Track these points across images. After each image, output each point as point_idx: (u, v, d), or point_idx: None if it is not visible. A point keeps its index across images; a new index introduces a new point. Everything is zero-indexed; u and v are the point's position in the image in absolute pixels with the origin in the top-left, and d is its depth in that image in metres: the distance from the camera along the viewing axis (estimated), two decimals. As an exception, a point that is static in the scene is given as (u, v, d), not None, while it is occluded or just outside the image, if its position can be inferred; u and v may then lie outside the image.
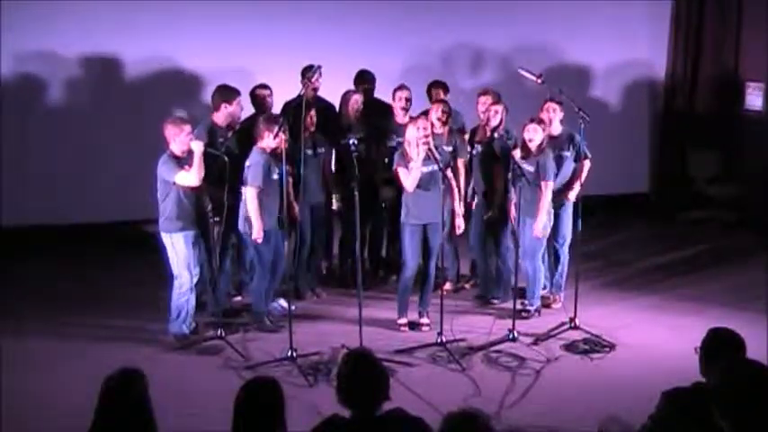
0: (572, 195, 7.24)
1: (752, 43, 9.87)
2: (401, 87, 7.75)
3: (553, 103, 7.25)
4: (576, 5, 9.76)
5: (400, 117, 7.65)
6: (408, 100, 7.69)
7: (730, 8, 10.08)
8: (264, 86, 7.55)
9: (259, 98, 7.49)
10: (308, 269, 7.67)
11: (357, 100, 7.71)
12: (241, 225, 6.74)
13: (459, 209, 7.19)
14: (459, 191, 7.29)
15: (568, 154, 7.29)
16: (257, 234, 6.62)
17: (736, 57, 10.08)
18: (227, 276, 7.32)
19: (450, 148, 7.32)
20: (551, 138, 7.12)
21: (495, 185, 7.33)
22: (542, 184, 6.91)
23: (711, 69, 10.30)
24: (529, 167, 6.88)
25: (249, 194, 6.59)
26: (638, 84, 10.56)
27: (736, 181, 10.14)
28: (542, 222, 6.97)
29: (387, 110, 7.85)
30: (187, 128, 6.48)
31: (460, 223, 7.15)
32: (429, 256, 6.92)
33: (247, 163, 6.67)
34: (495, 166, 7.30)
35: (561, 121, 7.29)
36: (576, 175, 7.30)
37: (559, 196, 7.25)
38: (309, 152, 7.26)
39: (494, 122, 7.26)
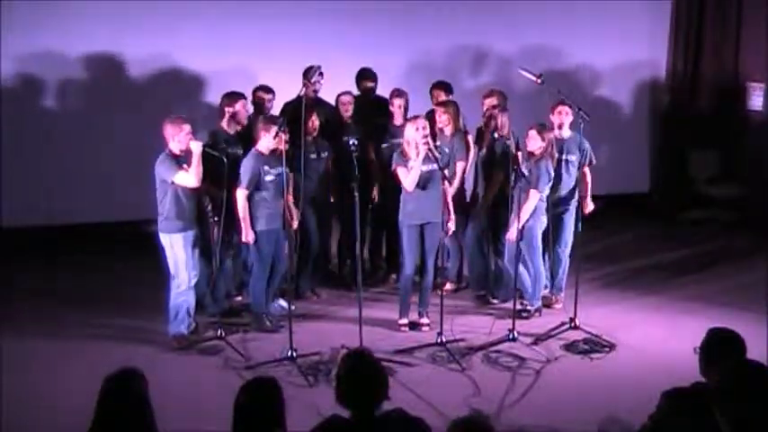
0: (587, 209, 7.27)
1: (752, 43, 9.87)
2: (398, 94, 7.72)
3: (564, 106, 7.18)
4: (577, 6, 9.77)
5: (398, 120, 7.65)
6: (405, 107, 7.68)
7: (730, 8, 10.08)
8: (267, 90, 7.54)
9: (259, 100, 7.48)
10: (309, 269, 7.67)
11: (344, 101, 7.70)
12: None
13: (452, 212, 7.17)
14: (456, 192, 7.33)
15: (574, 159, 7.25)
16: (245, 236, 6.66)
17: (736, 57, 10.07)
18: (228, 276, 7.31)
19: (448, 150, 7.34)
20: (559, 140, 7.09)
21: (492, 188, 7.33)
22: (530, 191, 6.87)
23: (711, 69, 10.30)
24: (525, 171, 6.88)
25: (238, 196, 6.65)
26: (639, 84, 10.56)
27: (736, 181, 10.14)
28: (516, 229, 6.85)
29: (386, 109, 7.84)
30: (186, 127, 6.47)
31: (452, 226, 7.09)
32: (427, 256, 6.92)
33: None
34: (495, 170, 7.30)
35: (570, 125, 7.28)
36: (583, 184, 7.30)
37: (564, 201, 7.24)
38: (313, 156, 7.28)
39: (490, 126, 7.24)
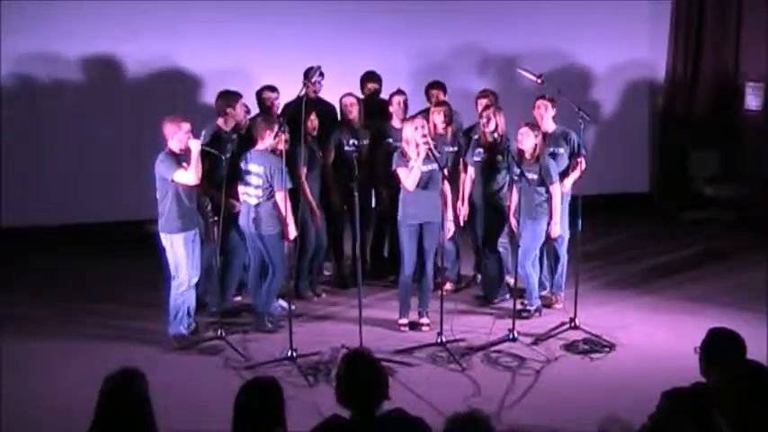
0: (566, 186, 7.21)
1: (752, 43, 9.87)
2: (398, 92, 7.73)
3: (543, 100, 7.23)
4: (577, 6, 9.76)
5: (396, 121, 7.65)
6: (405, 104, 7.68)
7: (730, 8, 10.08)
8: (272, 89, 7.53)
9: (266, 101, 7.47)
10: (309, 270, 7.67)
11: (347, 103, 7.68)
12: (267, 227, 6.68)
13: (458, 210, 7.15)
14: (462, 191, 7.33)
15: (563, 151, 7.26)
16: (291, 234, 6.64)
17: (736, 57, 10.07)
18: (232, 276, 7.28)
19: (455, 149, 7.32)
20: (545, 135, 7.10)
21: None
22: (550, 188, 6.91)
23: (711, 69, 10.29)
24: (532, 175, 6.85)
25: (282, 197, 6.58)
26: (638, 84, 10.56)
27: (736, 181, 10.13)
28: (559, 223, 6.99)
29: (385, 111, 7.83)
30: (186, 126, 6.47)
31: (451, 227, 7.11)
32: (425, 257, 6.91)
33: (254, 168, 6.63)
34: (495, 171, 7.30)
35: (554, 118, 7.29)
36: (572, 171, 7.29)
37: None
38: (312, 154, 7.27)
39: (489, 127, 7.24)
